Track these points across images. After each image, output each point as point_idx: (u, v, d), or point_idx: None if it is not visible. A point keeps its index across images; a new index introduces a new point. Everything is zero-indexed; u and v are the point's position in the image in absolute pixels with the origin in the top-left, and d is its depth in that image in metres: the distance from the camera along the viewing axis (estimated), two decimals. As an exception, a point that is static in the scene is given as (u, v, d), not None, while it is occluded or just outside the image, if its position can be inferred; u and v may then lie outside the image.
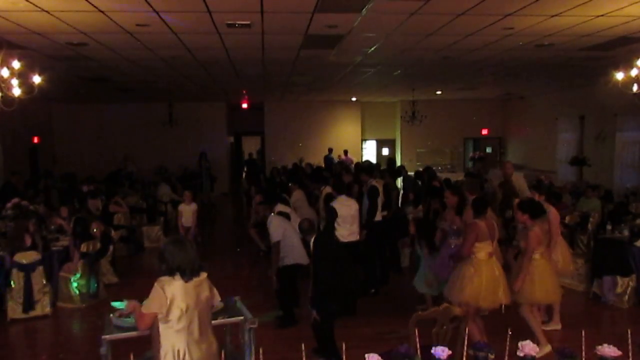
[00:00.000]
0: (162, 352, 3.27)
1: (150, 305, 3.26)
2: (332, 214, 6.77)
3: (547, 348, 5.05)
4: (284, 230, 6.30)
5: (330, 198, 7.50)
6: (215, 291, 3.50)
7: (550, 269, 5.48)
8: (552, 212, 6.11)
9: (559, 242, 6.17)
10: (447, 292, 5.28)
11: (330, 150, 18.94)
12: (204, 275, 3.40)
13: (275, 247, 6.24)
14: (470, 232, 5.15)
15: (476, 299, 5.03)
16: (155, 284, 3.27)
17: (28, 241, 6.86)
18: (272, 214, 6.56)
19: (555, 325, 6.11)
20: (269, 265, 7.99)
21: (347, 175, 9.43)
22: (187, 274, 3.26)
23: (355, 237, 7.04)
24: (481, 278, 5.06)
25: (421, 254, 6.58)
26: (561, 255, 6.15)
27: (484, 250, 5.15)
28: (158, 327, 3.28)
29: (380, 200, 7.54)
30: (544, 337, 5.25)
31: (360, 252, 7.23)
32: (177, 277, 3.26)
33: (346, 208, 6.98)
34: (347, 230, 6.94)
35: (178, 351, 3.23)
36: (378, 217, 7.53)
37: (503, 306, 5.20)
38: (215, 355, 3.36)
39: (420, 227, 6.84)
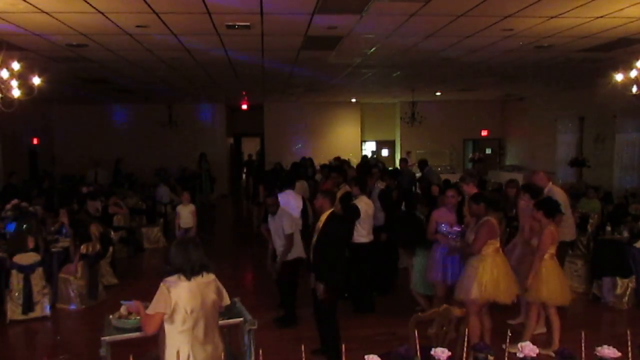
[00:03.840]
0: (167, 354, 3.28)
1: (156, 305, 3.27)
2: (355, 213, 6.65)
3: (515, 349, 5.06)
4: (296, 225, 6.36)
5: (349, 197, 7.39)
6: (225, 294, 3.51)
7: (560, 271, 5.50)
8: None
9: None
10: (457, 292, 5.30)
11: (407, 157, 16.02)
12: (210, 277, 3.41)
13: (289, 239, 6.23)
14: (485, 230, 5.18)
15: (484, 293, 5.05)
16: (161, 284, 3.30)
17: (31, 244, 6.86)
18: (280, 207, 6.47)
19: (540, 329, 6.04)
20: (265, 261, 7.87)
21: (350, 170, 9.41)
22: (188, 274, 3.29)
23: (370, 237, 6.93)
24: (487, 272, 5.10)
25: (419, 254, 6.56)
26: None
27: (492, 246, 5.21)
28: (164, 329, 3.30)
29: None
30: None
31: (372, 254, 7.21)
32: (182, 277, 3.29)
33: (366, 208, 6.85)
34: (366, 230, 6.84)
35: (183, 353, 3.24)
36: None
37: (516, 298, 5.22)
38: (220, 358, 3.35)
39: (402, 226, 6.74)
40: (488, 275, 5.10)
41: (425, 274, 6.25)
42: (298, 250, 6.34)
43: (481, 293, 5.07)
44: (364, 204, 6.80)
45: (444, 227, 5.99)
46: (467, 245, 5.33)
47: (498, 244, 5.29)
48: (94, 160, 15.97)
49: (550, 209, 5.42)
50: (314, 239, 5.31)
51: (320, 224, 5.32)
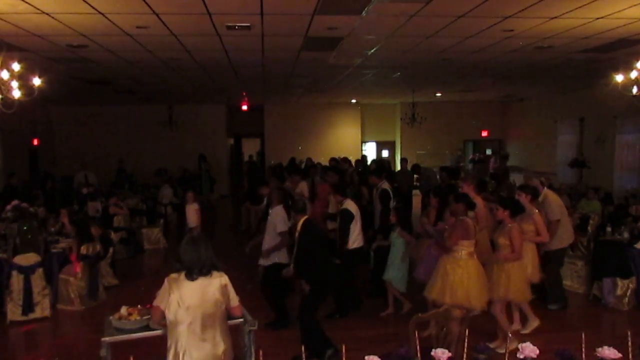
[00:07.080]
0: (168, 348, 3.36)
1: (158, 299, 3.38)
2: (348, 217, 6.57)
3: (514, 344, 5.06)
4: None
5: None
6: (232, 296, 3.49)
7: (521, 269, 5.48)
8: (536, 215, 6.09)
9: (529, 249, 5.98)
10: (436, 295, 5.21)
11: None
12: (217, 276, 3.43)
13: (282, 236, 6.20)
14: (459, 228, 5.17)
15: (468, 300, 5.02)
16: (165, 280, 3.40)
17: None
18: (281, 205, 6.42)
19: (519, 327, 6.01)
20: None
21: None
22: (194, 273, 3.35)
23: (359, 243, 6.81)
24: (470, 278, 5.10)
25: (396, 243, 6.55)
26: (531, 262, 5.96)
27: (466, 250, 5.18)
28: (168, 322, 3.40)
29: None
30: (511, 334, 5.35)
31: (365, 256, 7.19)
32: (186, 274, 3.36)
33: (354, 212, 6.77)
34: (355, 235, 6.73)
35: (179, 347, 3.30)
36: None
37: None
38: (220, 358, 3.37)
39: (400, 215, 6.70)
40: (458, 280, 5.06)
41: (414, 273, 6.32)
42: (280, 255, 6.29)
43: (451, 298, 5.01)
44: (350, 208, 6.72)
45: (427, 226, 6.27)
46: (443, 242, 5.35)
47: (472, 249, 5.20)
48: (80, 163, 15.55)
49: (516, 208, 5.45)
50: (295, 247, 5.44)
51: (297, 231, 5.46)
